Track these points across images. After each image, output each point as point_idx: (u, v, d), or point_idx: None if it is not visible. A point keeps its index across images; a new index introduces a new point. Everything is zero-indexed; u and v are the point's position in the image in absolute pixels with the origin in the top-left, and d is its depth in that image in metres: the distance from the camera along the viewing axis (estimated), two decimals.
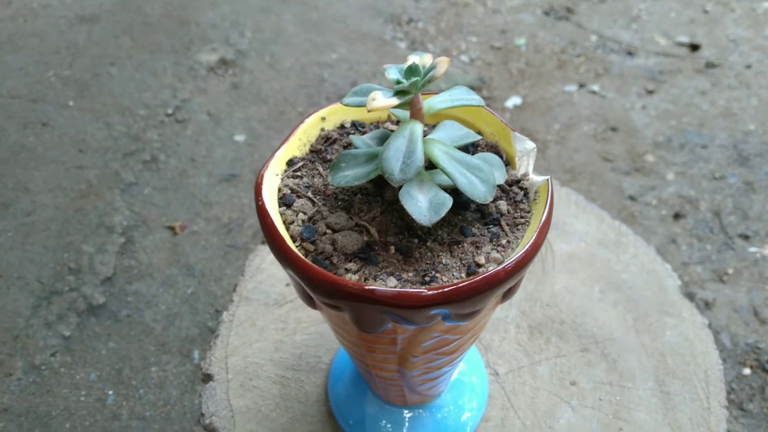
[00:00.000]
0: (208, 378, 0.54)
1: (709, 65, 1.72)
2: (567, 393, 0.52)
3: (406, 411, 0.50)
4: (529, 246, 0.31)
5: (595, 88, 1.65)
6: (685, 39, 1.82)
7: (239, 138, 1.47)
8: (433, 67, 0.31)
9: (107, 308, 1.11)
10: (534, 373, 0.53)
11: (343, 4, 1.94)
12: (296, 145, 0.39)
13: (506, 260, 0.31)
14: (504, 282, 0.30)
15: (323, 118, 0.40)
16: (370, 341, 0.35)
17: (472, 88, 1.62)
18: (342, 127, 0.41)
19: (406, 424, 0.50)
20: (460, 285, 0.29)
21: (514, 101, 1.61)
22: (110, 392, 1.00)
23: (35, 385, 1.00)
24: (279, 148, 0.38)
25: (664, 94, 1.64)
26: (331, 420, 0.51)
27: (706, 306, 1.18)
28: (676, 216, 1.34)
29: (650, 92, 1.64)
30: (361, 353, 0.38)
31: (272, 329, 0.57)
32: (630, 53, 1.77)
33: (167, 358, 1.05)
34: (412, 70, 0.31)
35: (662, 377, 0.53)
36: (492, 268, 0.31)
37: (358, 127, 0.41)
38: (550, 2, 1.98)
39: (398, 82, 0.31)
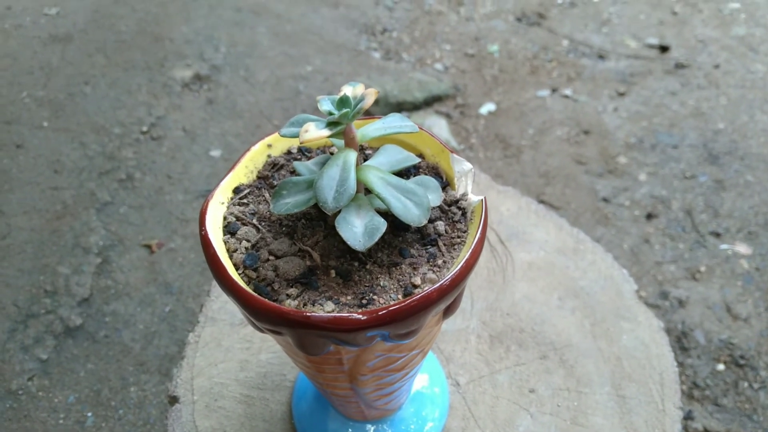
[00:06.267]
0: (174, 400, 0.55)
1: (679, 66, 1.75)
2: (526, 400, 0.53)
3: (368, 425, 0.51)
4: (462, 266, 0.32)
5: (568, 92, 1.68)
6: (654, 41, 1.85)
7: (215, 153, 1.47)
8: (362, 98, 0.32)
9: (84, 329, 1.11)
10: (494, 382, 0.54)
11: (317, 15, 1.95)
12: (243, 172, 0.39)
13: (440, 280, 0.32)
14: (437, 302, 0.31)
15: (269, 145, 0.41)
16: (317, 362, 0.36)
17: (447, 95, 1.64)
18: (289, 152, 0.42)
19: None
20: (394, 307, 0.30)
21: (488, 108, 1.63)
22: (89, 414, 1.00)
23: (12, 411, 1.00)
24: (225, 176, 0.38)
25: (635, 96, 1.66)
26: None
27: (679, 304, 1.20)
28: (649, 216, 1.36)
29: (621, 94, 1.67)
30: (313, 373, 0.39)
31: (238, 349, 0.57)
32: (601, 57, 1.80)
33: (146, 378, 1.05)
34: (343, 102, 0.32)
35: (618, 381, 0.54)
36: (426, 289, 0.32)
37: (304, 152, 0.42)
38: (522, 9, 2.01)
39: (330, 113, 0.32)
